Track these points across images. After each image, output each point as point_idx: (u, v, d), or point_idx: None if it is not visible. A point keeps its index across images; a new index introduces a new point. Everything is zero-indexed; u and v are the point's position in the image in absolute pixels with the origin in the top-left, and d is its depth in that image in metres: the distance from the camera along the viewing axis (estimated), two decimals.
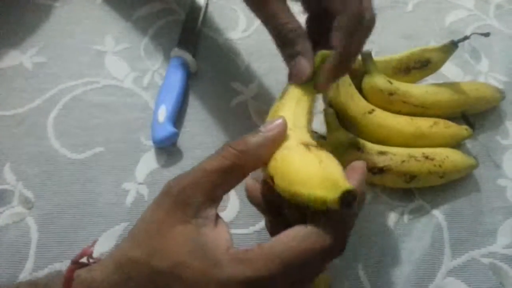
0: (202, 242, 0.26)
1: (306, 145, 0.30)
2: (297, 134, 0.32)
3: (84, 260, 0.30)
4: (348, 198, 0.25)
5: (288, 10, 0.35)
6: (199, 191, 0.28)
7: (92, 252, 0.31)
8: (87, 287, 0.28)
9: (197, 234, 0.27)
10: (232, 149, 0.29)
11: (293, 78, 0.35)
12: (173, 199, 0.28)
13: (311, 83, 0.35)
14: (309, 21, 0.38)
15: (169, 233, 0.27)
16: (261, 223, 0.42)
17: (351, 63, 0.36)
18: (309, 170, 0.27)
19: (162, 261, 0.26)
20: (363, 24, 0.35)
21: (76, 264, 0.29)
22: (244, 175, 0.30)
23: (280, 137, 0.30)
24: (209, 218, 0.28)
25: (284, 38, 0.35)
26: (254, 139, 0.29)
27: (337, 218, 0.27)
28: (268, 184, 0.31)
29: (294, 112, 0.33)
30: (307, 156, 0.29)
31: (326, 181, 0.26)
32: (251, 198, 0.33)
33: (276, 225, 0.33)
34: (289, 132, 0.31)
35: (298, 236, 0.26)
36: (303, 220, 0.27)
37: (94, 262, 0.30)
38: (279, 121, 0.30)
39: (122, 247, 0.29)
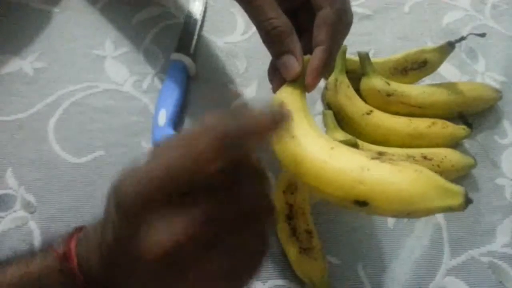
0: None
1: (377, 158, 0.30)
2: (346, 148, 0.31)
3: None
4: (468, 199, 0.28)
5: (275, 5, 0.34)
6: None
7: None
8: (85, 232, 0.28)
9: None
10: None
11: (285, 76, 0.34)
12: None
13: (298, 83, 0.35)
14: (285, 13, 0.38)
15: None
16: None
17: (334, 60, 0.35)
18: (417, 185, 0.28)
19: None
20: (345, 21, 0.35)
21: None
22: None
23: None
24: None
25: (271, 35, 0.34)
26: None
27: None
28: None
29: (311, 125, 0.33)
30: (400, 172, 0.29)
31: (440, 191, 0.28)
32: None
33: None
34: (335, 148, 0.31)
35: None
36: None
37: None
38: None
39: None
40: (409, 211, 0.28)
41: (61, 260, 0.27)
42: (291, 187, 0.40)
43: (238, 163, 0.23)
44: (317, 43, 0.33)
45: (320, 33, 0.33)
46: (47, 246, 0.29)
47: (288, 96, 0.35)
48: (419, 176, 0.28)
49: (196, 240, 0.22)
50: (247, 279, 0.26)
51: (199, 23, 0.54)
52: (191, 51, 0.51)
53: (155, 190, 0.22)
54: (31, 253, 0.28)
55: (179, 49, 0.51)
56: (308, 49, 0.34)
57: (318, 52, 0.33)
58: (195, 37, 0.53)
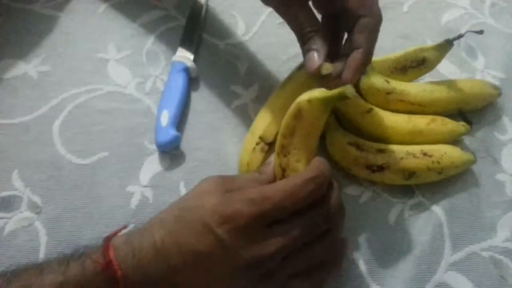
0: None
1: None
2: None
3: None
4: None
5: (308, 10, 0.39)
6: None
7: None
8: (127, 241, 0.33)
9: None
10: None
11: (306, 68, 0.39)
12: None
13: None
14: (322, 20, 0.42)
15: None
16: None
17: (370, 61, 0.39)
18: None
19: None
20: (380, 26, 0.39)
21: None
22: None
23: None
24: None
25: (302, 37, 0.39)
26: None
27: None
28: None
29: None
30: None
31: None
32: None
33: None
34: None
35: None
36: None
37: None
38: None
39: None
40: None
41: (103, 269, 0.30)
42: (284, 150, 0.39)
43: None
44: (357, 46, 0.37)
45: (360, 38, 0.37)
46: (79, 255, 0.32)
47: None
48: None
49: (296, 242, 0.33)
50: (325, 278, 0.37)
51: (200, 25, 0.55)
52: (193, 53, 0.52)
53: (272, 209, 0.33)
54: (61, 262, 0.31)
55: (180, 51, 0.52)
56: (337, 52, 0.39)
57: (358, 54, 0.37)
58: (197, 39, 0.54)
